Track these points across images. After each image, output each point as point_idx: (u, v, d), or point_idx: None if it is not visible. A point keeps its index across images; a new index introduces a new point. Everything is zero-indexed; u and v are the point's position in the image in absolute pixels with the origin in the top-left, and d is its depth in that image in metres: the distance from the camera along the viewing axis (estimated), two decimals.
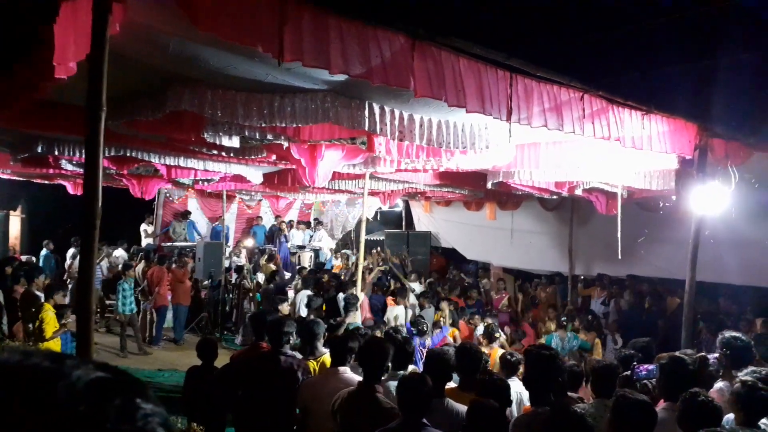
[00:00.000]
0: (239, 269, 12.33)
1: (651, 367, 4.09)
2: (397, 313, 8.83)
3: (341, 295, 9.28)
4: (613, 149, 6.14)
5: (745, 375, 3.94)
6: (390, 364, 4.68)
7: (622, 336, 9.22)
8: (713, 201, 6.45)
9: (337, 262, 15.45)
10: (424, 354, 7.30)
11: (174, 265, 11.51)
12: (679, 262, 7.46)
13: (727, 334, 4.76)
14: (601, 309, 11.13)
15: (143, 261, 12.20)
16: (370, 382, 3.69)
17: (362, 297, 9.08)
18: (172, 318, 11.38)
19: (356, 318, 8.22)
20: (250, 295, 11.71)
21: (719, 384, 4.42)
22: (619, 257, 7.85)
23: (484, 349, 6.82)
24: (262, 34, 3.33)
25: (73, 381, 0.54)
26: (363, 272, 8.43)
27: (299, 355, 4.79)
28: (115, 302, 10.30)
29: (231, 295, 12.15)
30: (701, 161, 6.30)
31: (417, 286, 10.94)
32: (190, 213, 15.96)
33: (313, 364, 4.79)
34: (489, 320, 8.97)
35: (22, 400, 0.52)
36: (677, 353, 4.55)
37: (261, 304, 11.07)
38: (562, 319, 9.01)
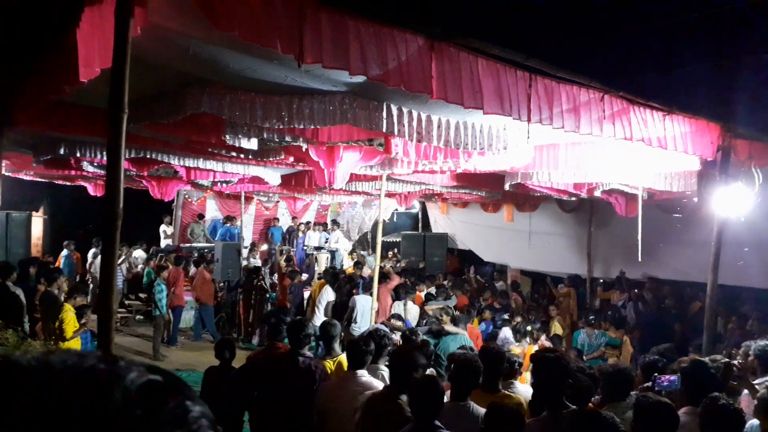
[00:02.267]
0: (256, 270, 12.40)
1: (673, 378, 4.02)
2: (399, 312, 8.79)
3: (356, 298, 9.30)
4: (633, 150, 6.07)
5: None
6: None
7: (640, 338, 9.11)
8: (736, 203, 6.35)
9: (350, 263, 15.44)
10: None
11: (203, 266, 11.71)
12: (701, 265, 7.35)
13: (761, 342, 4.71)
14: (622, 312, 11.00)
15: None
16: (396, 389, 3.66)
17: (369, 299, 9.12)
18: (196, 318, 11.51)
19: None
20: (267, 295, 11.76)
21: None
22: (639, 259, 7.76)
23: (516, 350, 6.76)
24: (282, 36, 3.34)
25: (127, 384, 0.54)
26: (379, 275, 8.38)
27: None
28: (153, 303, 10.43)
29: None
30: (724, 162, 6.21)
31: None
32: (203, 216, 16.10)
33: (329, 365, 4.79)
34: (518, 319, 8.93)
35: (82, 404, 0.51)
36: (700, 357, 4.48)
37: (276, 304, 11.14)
38: (591, 317, 8.94)
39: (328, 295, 9.87)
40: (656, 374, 4.69)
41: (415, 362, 3.73)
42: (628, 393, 4.10)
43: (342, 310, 9.35)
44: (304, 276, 12.54)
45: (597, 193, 9.25)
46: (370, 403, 3.66)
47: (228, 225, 15.76)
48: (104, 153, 7.20)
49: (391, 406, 3.56)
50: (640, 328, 9.68)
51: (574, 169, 7.28)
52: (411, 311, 8.77)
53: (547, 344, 7.44)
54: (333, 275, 10.57)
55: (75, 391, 0.52)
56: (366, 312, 8.81)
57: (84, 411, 0.51)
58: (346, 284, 10.27)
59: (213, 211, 16.62)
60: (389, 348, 4.94)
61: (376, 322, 7.90)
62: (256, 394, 4.66)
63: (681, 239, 10.27)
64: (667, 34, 6.52)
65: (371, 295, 8.31)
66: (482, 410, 3.60)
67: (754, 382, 4.38)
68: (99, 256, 10.34)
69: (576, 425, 2.78)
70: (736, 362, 4.60)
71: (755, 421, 3.55)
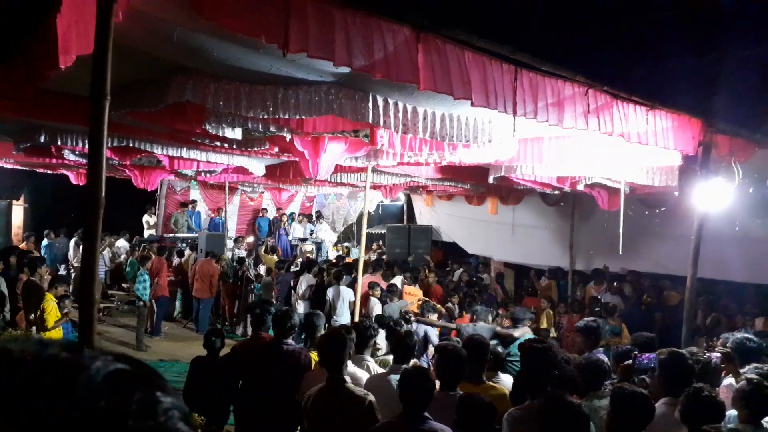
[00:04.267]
0: (241, 261, 12.37)
1: (652, 355, 4.08)
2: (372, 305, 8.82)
3: (330, 290, 9.34)
4: (616, 144, 6.13)
5: (749, 372, 3.95)
6: (391, 358, 4.72)
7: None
8: (716, 198, 6.44)
9: (335, 254, 15.46)
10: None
11: (205, 258, 11.70)
12: (681, 259, 7.45)
13: (739, 335, 4.79)
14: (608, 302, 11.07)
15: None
16: (337, 374, 3.67)
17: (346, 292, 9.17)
18: (201, 311, 11.50)
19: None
20: (251, 286, 11.74)
21: (728, 380, 4.44)
22: (620, 253, 7.85)
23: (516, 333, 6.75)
24: (267, 25, 3.31)
25: (92, 374, 0.51)
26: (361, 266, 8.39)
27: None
28: (137, 290, 10.36)
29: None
30: (705, 157, 6.28)
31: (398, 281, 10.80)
32: (196, 202, 16.01)
33: (314, 355, 4.80)
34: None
35: (40, 393, 0.49)
36: (679, 349, 4.55)
37: (261, 295, 11.12)
38: (596, 309, 9.06)
39: (308, 280, 9.96)
40: (636, 352, 4.78)
41: (345, 343, 3.75)
42: (602, 382, 4.17)
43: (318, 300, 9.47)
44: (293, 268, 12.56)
45: (580, 187, 9.33)
46: (316, 398, 3.69)
47: (215, 216, 15.72)
48: (86, 141, 7.11)
49: (338, 394, 3.60)
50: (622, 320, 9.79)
51: (557, 163, 7.33)
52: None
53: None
54: (308, 262, 10.63)
55: (34, 380, 0.49)
56: (345, 302, 8.92)
57: (43, 400, 0.48)
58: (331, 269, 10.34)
59: (197, 201, 16.51)
60: (374, 339, 4.97)
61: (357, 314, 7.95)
62: (240, 384, 4.66)
63: (662, 233, 10.39)
64: (650, 28, 6.56)
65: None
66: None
67: (743, 371, 4.46)
68: (81, 246, 10.25)
69: (544, 411, 2.82)
70: (713, 356, 4.68)
71: (733, 412, 3.62)
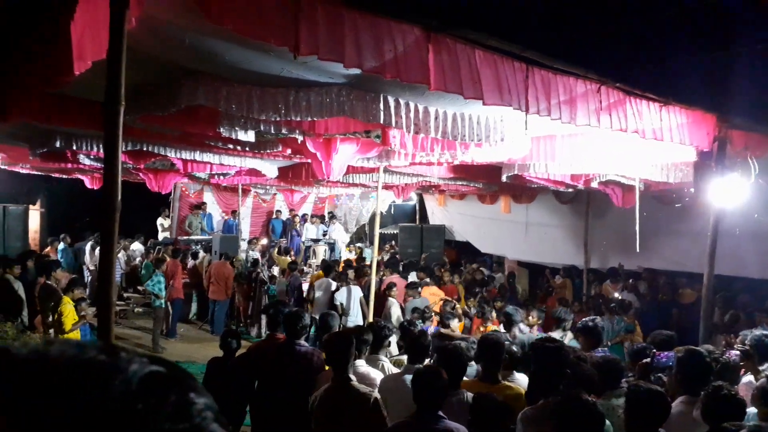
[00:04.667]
0: (255, 263, 12.44)
1: (671, 354, 4.05)
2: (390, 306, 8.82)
3: (342, 290, 9.36)
4: (629, 141, 6.08)
5: None
6: (406, 357, 4.72)
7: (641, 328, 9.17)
8: (732, 193, 6.36)
9: (351, 256, 15.47)
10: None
11: (220, 260, 11.78)
12: (697, 256, 7.39)
13: (757, 332, 4.74)
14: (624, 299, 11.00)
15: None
16: (342, 373, 3.72)
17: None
18: (217, 313, 11.57)
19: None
20: (265, 287, 11.79)
21: (748, 378, 4.40)
22: (638, 250, 7.78)
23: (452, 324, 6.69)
24: (277, 28, 3.33)
25: (129, 376, 0.51)
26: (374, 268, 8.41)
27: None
28: (149, 286, 10.46)
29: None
30: (720, 153, 6.22)
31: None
32: (205, 204, 16.12)
33: None
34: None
35: (78, 396, 0.49)
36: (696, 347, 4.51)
37: (276, 297, 11.16)
38: (612, 305, 9.04)
39: (329, 285, 9.92)
40: (655, 351, 4.74)
41: (349, 343, 3.79)
42: (620, 381, 4.14)
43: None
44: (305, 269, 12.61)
45: (594, 185, 9.26)
46: (323, 399, 3.72)
47: (228, 218, 15.82)
48: (100, 146, 7.18)
49: (343, 393, 3.62)
50: (637, 317, 9.72)
51: (570, 161, 7.29)
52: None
53: (493, 328, 7.46)
54: (327, 266, 10.63)
55: (73, 383, 0.50)
56: (356, 302, 8.91)
57: (82, 403, 0.48)
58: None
59: (210, 203, 16.61)
60: (389, 339, 4.98)
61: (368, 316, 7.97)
62: (255, 384, 4.69)
63: (678, 230, 10.29)
64: (663, 24, 6.51)
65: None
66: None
67: (761, 368, 4.41)
68: (97, 249, 10.36)
69: (559, 409, 2.81)
70: (732, 353, 4.63)
71: (753, 410, 3.58)
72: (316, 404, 3.73)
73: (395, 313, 8.44)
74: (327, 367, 4.60)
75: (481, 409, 3.22)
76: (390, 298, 8.81)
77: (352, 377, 3.72)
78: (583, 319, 6.09)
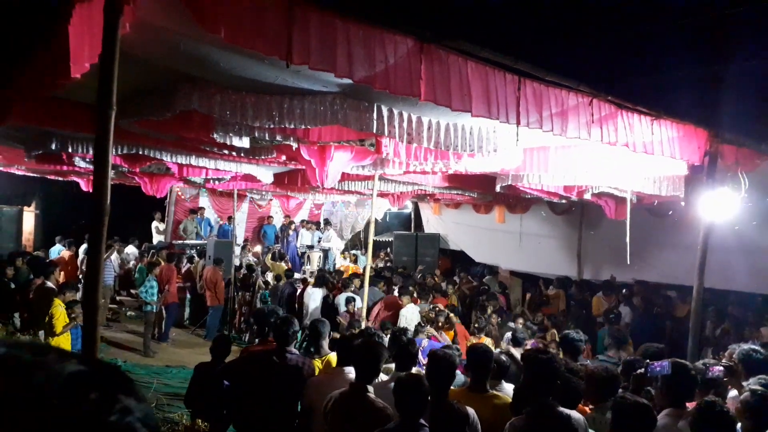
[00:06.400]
0: (250, 269, 12.43)
1: (665, 363, 4.06)
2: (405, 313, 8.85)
3: (341, 296, 9.38)
4: (622, 154, 6.12)
5: (753, 384, 3.92)
6: (393, 366, 4.73)
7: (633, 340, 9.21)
8: (723, 207, 6.41)
9: (345, 262, 15.49)
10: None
11: (213, 266, 11.75)
12: (687, 268, 7.41)
13: (745, 346, 4.76)
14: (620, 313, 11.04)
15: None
16: (363, 382, 3.72)
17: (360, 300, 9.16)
18: (213, 318, 11.56)
19: None
20: (259, 293, 11.79)
21: (734, 392, 4.41)
22: (628, 262, 7.82)
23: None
24: (269, 37, 3.36)
25: (50, 374, 0.54)
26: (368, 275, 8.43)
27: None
28: (141, 293, 10.44)
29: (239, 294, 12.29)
30: (711, 167, 6.26)
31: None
32: (202, 209, 16.12)
33: (317, 363, 4.82)
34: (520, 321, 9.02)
35: None
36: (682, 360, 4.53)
37: (269, 302, 11.15)
38: (611, 316, 9.10)
39: (316, 296, 9.93)
40: (648, 360, 4.74)
41: (379, 355, 3.79)
42: (616, 392, 4.14)
43: (331, 309, 9.45)
44: (297, 275, 12.58)
45: (587, 196, 9.31)
46: (337, 402, 3.70)
47: (224, 223, 15.81)
48: None
49: (359, 401, 3.60)
50: (629, 330, 9.75)
51: (563, 172, 7.33)
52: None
53: (486, 340, 7.50)
54: (320, 278, 10.61)
55: None
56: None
57: None
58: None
59: (205, 208, 16.62)
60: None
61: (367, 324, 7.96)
62: (239, 390, 4.69)
63: (669, 242, 10.34)
64: (655, 38, 6.58)
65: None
66: (467, 409, 3.65)
67: (746, 383, 4.42)
68: None
69: (531, 421, 2.84)
70: (716, 369, 4.65)
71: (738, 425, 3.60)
72: (330, 406, 3.73)
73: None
74: (325, 368, 4.62)
75: (442, 417, 3.22)
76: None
77: (370, 388, 3.72)
78: (565, 331, 6.16)
